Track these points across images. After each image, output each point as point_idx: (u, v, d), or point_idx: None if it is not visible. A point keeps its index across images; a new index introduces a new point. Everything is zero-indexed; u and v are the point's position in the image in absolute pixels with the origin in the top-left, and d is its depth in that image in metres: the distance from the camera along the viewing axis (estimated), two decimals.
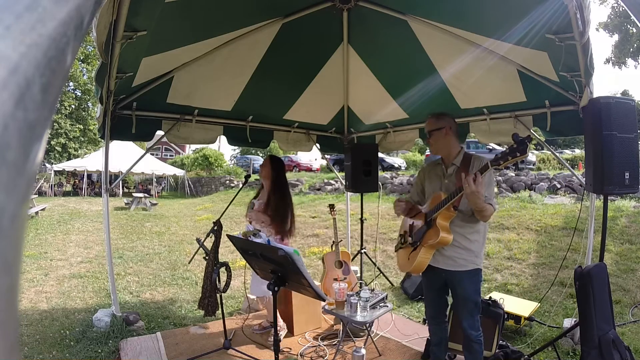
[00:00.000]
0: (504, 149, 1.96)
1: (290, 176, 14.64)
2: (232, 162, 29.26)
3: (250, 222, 3.19)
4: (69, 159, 20.60)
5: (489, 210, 2.10)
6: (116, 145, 11.03)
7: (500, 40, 2.69)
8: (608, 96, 2.52)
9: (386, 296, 2.97)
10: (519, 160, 1.91)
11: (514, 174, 9.99)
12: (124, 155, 11.93)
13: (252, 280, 3.22)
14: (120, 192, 18.58)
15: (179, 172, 20.85)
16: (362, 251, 4.66)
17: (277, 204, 3.07)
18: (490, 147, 13.02)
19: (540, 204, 7.66)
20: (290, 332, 3.36)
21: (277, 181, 3.16)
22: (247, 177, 3.45)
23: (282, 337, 3.18)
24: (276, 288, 2.01)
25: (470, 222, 2.22)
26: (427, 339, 2.95)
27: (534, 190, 8.66)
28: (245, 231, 2.35)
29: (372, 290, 2.94)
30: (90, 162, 17.34)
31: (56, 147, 21.29)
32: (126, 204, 13.80)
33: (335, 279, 3.21)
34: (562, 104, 3.01)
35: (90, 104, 23.13)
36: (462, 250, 2.22)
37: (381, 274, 5.08)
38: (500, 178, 9.66)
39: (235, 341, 3.15)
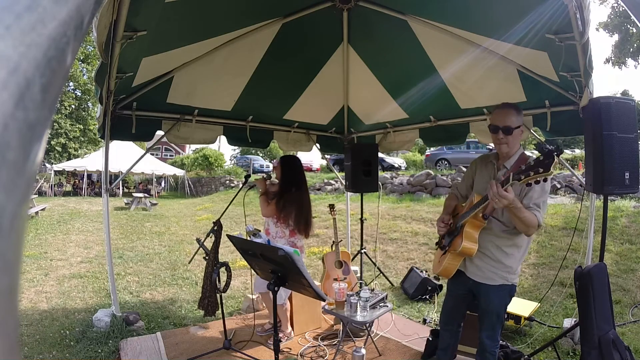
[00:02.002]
0: (530, 161, 1.77)
1: None
2: (232, 162, 29.27)
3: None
4: (69, 159, 20.59)
5: (531, 220, 1.87)
6: (116, 145, 11.03)
7: (500, 40, 2.69)
8: (608, 96, 2.52)
9: (386, 296, 2.97)
10: (541, 177, 1.71)
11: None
12: (124, 155, 11.93)
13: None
14: (120, 192, 18.58)
15: (179, 172, 20.86)
16: (362, 251, 4.66)
17: (283, 202, 3.06)
18: (491, 147, 13.01)
19: None
20: None
21: (283, 180, 3.15)
22: (247, 177, 3.45)
23: (285, 341, 3.18)
24: (276, 288, 2.01)
25: (511, 234, 2.03)
26: (427, 339, 2.96)
27: None
28: (247, 230, 2.35)
29: (372, 290, 2.94)
30: (90, 162, 17.34)
31: (56, 147, 21.28)
32: (126, 204, 13.80)
33: (335, 279, 3.21)
34: (562, 104, 3.01)
35: (90, 104, 23.12)
36: (494, 262, 2.06)
37: (381, 274, 5.08)
38: None
39: (235, 341, 3.15)
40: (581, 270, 2.44)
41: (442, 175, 10.44)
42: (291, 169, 3.19)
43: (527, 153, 2.16)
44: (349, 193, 5.33)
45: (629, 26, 15.51)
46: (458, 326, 2.37)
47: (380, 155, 5.25)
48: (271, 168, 20.41)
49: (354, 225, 6.26)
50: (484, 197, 1.93)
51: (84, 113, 22.96)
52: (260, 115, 4.18)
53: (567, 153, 15.69)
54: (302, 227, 3.12)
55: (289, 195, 3.08)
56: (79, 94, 22.73)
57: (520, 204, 1.86)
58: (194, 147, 29.06)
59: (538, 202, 1.95)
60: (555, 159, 1.68)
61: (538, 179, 1.72)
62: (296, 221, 3.10)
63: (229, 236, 2.28)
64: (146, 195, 14.83)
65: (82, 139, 22.87)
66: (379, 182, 4.60)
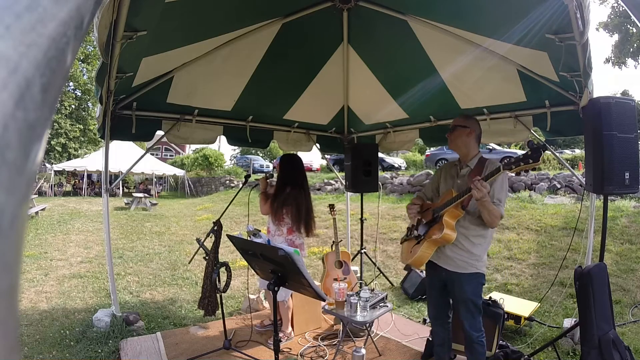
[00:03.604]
0: (519, 155, 1.97)
1: None
2: (232, 162, 29.28)
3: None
4: (69, 159, 20.59)
5: (497, 212, 2.09)
6: (116, 145, 11.03)
7: (500, 41, 2.69)
8: (608, 96, 2.52)
9: (386, 296, 2.97)
10: (530, 167, 1.91)
11: (514, 174, 9.96)
12: (124, 155, 11.93)
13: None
14: (120, 192, 18.58)
15: (179, 172, 20.85)
16: (362, 251, 4.66)
17: (277, 202, 3.11)
18: (491, 147, 13.03)
19: (540, 204, 7.66)
20: None
21: (279, 180, 3.21)
22: (247, 177, 3.45)
23: (285, 341, 3.18)
24: (276, 288, 2.01)
25: (477, 225, 2.21)
26: (427, 339, 2.96)
27: (534, 190, 8.66)
28: (248, 230, 2.35)
29: (372, 290, 2.94)
30: (90, 162, 17.34)
31: (56, 147, 21.28)
32: (126, 204, 13.80)
33: (335, 279, 3.21)
34: (562, 104, 3.00)
35: (90, 104, 23.11)
36: (464, 252, 2.21)
37: (381, 274, 5.08)
38: None
39: (235, 341, 3.15)
40: (581, 270, 2.44)
41: None
42: (288, 168, 3.22)
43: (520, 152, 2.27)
44: (349, 193, 5.33)
45: (629, 26, 15.52)
46: (447, 317, 2.47)
47: (380, 155, 5.25)
48: (271, 168, 20.45)
49: (354, 225, 6.26)
50: (467, 189, 2.09)
51: (84, 113, 22.95)
52: (260, 115, 4.18)
53: (567, 153, 15.70)
54: (302, 226, 3.14)
55: (283, 195, 3.11)
56: (79, 94, 22.72)
57: (489, 198, 2.07)
58: (194, 147, 29.08)
59: (500, 197, 2.17)
60: (543, 153, 1.88)
61: (528, 168, 1.93)
62: (294, 220, 3.12)
63: (229, 236, 2.28)
64: (146, 195, 14.83)
65: (82, 139, 22.86)
66: (379, 182, 4.60)
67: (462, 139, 2.35)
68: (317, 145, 4.90)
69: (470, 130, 2.34)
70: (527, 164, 1.90)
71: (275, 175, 3.38)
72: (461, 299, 2.25)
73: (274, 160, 22.72)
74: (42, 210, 10.78)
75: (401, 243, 2.58)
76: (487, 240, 2.27)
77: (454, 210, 2.17)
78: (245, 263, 2.35)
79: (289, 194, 3.10)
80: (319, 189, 12.77)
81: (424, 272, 4.56)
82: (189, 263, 4.60)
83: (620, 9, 15.18)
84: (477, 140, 2.38)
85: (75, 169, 17.81)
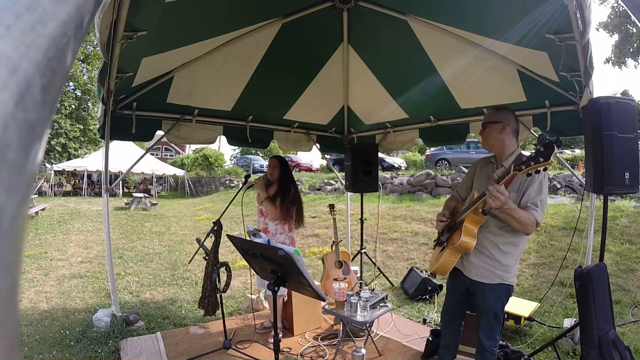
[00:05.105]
0: (530, 153, 1.82)
1: None
2: (232, 162, 29.27)
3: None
4: (69, 159, 20.58)
5: (528, 219, 1.89)
6: (116, 145, 11.01)
7: (500, 41, 2.69)
8: (608, 96, 2.52)
9: (386, 296, 2.97)
10: (541, 167, 1.74)
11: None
12: (124, 155, 11.93)
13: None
14: (120, 192, 18.57)
15: (179, 172, 20.85)
16: (362, 251, 4.66)
17: (287, 202, 3.23)
18: None
19: None
20: (290, 332, 3.36)
21: (282, 180, 3.31)
22: (247, 177, 3.45)
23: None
24: (276, 288, 2.01)
25: (508, 232, 2.02)
26: (427, 339, 2.96)
27: None
28: (248, 230, 2.35)
29: (372, 290, 2.94)
30: (90, 162, 17.33)
31: (56, 147, 21.28)
32: (126, 204, 13.80)
33: (335, 279, 3.21)
34: (562, 104, 3.00)
35: (90, 104, 23.11)
36: (491, 260, 2.04)
37: (381, 274, 5.08)
38: None
39: (235, 341, 3.15)
40: (581, 270, 2.44)
41: (442, 175, 10.44)
42: (287, 168, 3.38)
43: (526, 153, 2.18)
44: (349, 193, 5.33)
45: (629, 26, 15.52)
46: (459, 325, 2.39)
47: (380, 155, 5.25)
48: None
49: (354, 225, 6.26)
50: (482, 193, 1.95)
51: (84, 113, 22.95)
52: (260, 115, 4.18)
53: (567, 153, 15.68)
54: (301, 221, 3.38)
55: (290, 195, 3.25)
56: (79, 94, 22.73)
57: (513, 205, 1.89)
58: (194, 147, 29.07)
59: (535, 201, 1.96)
60: (555, 149, 1.71)
61: (538, 168, 1.75)
62: (297, 217, 3.32)
63: (229, 236, 2.28)
64: (146, 195, 14.83)
65: (82, 139, 22.86)
66: (379, 182, 4.60)
67: (494, 137, 2.13)
68: (317, 145, 4.90)
69: (503, 124, 2.11)
70: (537, 163, 1.73)
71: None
72: (482, 308, 2.12)
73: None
74: (42, 210, 10.77)
75: (433, 247, 2.44)
76: (519, 248, 2.07)
77: (473, 216, 2.02)
78: (245, 263, 2.35)
79: (294, 194, 3.29)
80: (319, 189, 12.75)
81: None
82: (189, 263, 4.60)
83: (620, 9, 15.18)
84: (514, 135, 2.14)
85: (75, 169, 17.80)
